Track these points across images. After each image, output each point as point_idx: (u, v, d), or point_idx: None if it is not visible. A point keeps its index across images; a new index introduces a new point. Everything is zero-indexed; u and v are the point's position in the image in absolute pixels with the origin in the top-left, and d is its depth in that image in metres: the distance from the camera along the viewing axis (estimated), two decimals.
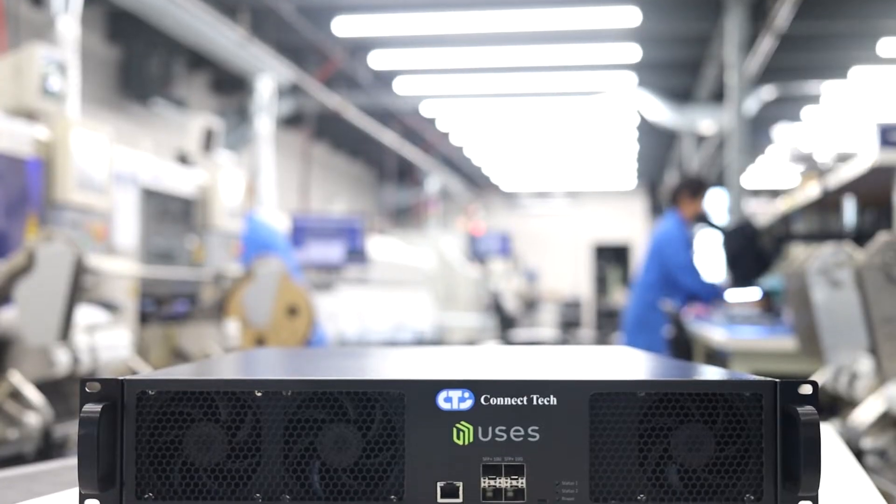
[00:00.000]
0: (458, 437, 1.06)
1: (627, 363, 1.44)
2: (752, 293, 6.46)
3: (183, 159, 6.37)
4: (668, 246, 6.80)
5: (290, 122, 14.97)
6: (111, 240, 5.07)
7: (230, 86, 13.07)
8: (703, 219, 7.05)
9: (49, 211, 4.52)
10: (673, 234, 6.85)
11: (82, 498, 1.04)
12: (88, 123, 4.79)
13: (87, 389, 1.04)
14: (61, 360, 3.92)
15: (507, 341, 14.03)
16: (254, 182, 7.53)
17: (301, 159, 14.49)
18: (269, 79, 11.53)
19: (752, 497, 1.06)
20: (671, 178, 7.44)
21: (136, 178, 5.45)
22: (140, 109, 11.28)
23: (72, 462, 1.15)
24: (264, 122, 11.62)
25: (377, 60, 13.60)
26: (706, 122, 13.74)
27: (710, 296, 6.58)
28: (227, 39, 9.84)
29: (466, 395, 1.06)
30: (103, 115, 10.29)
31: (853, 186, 4.39)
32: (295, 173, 15.12)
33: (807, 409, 1.02)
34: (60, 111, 4.73)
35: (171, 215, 5.92)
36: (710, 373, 1.21)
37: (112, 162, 4.98)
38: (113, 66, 11.06)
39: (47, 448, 3.76)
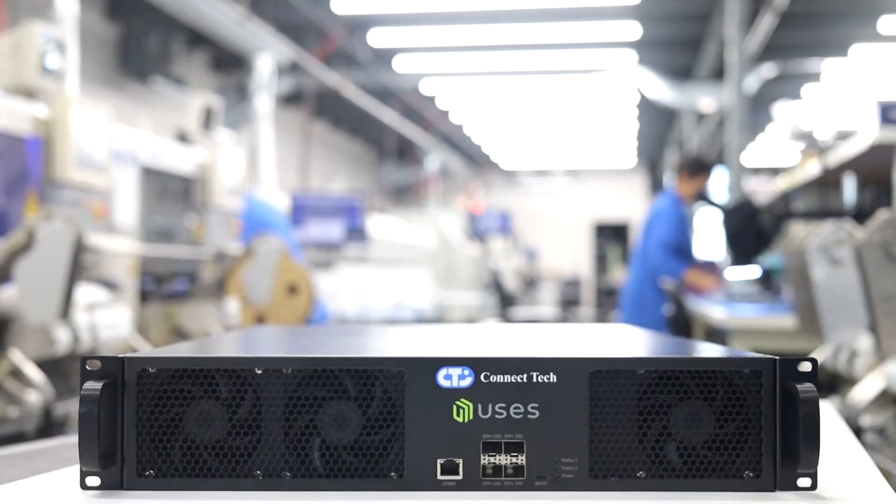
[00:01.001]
0: (458, 415, 1.06)
1: (627, 341, 1.44)
2: (752, 271, 6.46)
3: (182, 138, 6.36)
4: (655, 222, 6.81)
5: (290, 100, 14.95)
6: (111, 218, 5.07)
7: (229, 64, 13.05)
8: (702, 197, 7.03)
9: (49, 189, 4.51)
10: (663, 212, 6.85)
11: (83, 475, 1.04)
12: (87, 102, 4.78)
13: (87, 367, 1.04)
14: (61, 339, 3.92)
15: (507, 319, 14.03)
16: (253, 161, 7.50)
17: (300, 138, 14.47)
18: (269, 57, 11.50)
19: (751, 474, 1.06)
20: (673, 157, 7.43)
21: (136, 156, 5.44)
22: (139, 88, 11.26)
23: (72, 440, 1.15)
24: (264, 100, 11.60)
25: (376, 38, 13.57)
26: (706, 99, 13.71)
27: (669, 275, 6.55)
28: (227, 17, 9.80)
29: (466, 372, 1.06)
30: (102, 94, 10.27)
31: (853, 164, 4.39)
32: (294, 152, 15.10)
33: (806, 387, 1.02)
34: (59, 89, 4.72)
35: (171, 194, 5.91)
36: (710, 350, 1.21)
37: (111, 140, 4.97)
38: (112, 45, 11.04)
39: (48, 426, 3.77)
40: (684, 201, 6.87)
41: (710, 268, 7.07)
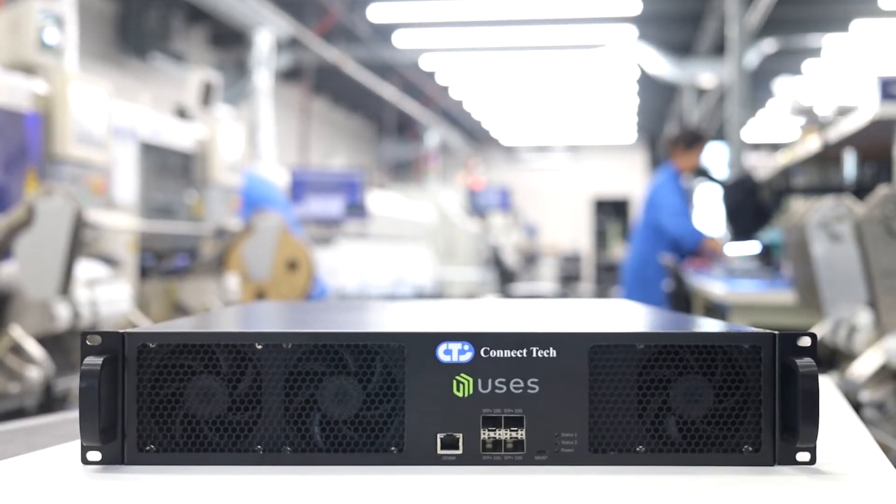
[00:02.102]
0: (458, 390, 1.06)
1: (627, 316, 1.44)
2: (752, 247, 6.46)
3: (182, 114, 6.35)
4: (658, 196, 6.79)
5: (289, 76, 14.91)
6: (110, 194, 5.07)
7: (229, 40, 13.01)
8: (701, 172, 7.02)
9: (48, 165, 4.51)
10: (664, 185, 6.83)
11: (84, 450, 1.05)
12: (87, 78, 4.78)
13: (87, 343, 1.04)
14: (62, 315, 3.92)
15: (507, 295, 14.04)
16: (252, 137, 7.49)
17: (300, 114, 14.45)
18: (268, 32, 11.47)
19: (751, 448, 1.06)
20: (668, 130, 7.40)
21: (135, 132, 5.44)
22: (138, 64, 11.23)
23: (73, 415, 1.16)
24: (263, 76, 11.58)
25: (376, 13, 13.53)
26: (706, 75, 13.68)
27: (693, 241, 6.55)
28: None
29: (466, 347, 1.06)
30: (101, 70, 10.25)
31: (853, 140, 4.38)
32: (294, 128, 15.07)
33: (805, 361, 1.02)
34: (58, 65, 4.71)
35: (171, 170, 5.91)
36: (709, 325, 1.21)
37: (111, 116, 4.96)
38: (111, 20, 11.01)
39: (48, 402, 3.78)
40: (683, 174, 6.86)
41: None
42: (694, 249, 6.57)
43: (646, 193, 7.08)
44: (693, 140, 6.81)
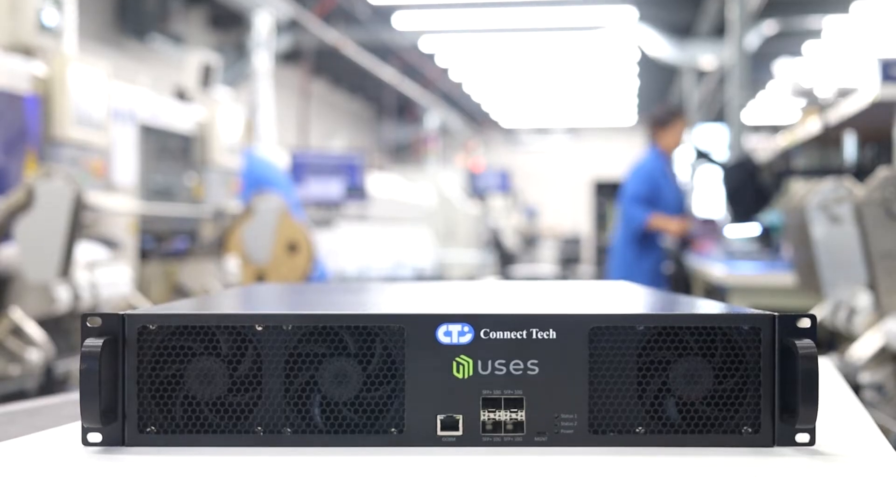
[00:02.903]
0: (458, 371, 1.06)
1: (626, 297, 1.45)
2: (752, 229, 6.46)
3: (181, 96, 6.34)
4: (629, 178, 6.82)
5: (289, 58, 14.88)
6: (110, 176, 5.06)
7: (228, 21, 12.98)
8: (702, 155, 7.00)
9: (47, 147, 4.50)
10: (635, 166, 6.85)
11: (85, 432, 1.05)
12: (86, 59, 4.76)
13: (88, 324, 1.05)
14: (62, 297, 3.93)
15: (507, 277, 14.04)
16: (251, 118, 7.47)
17: (300, 96, 14.42)
18: (267, 14, 11.44)
19: (750, 429, 1.06)
20: (648, 105, 7.36)
21: (135, 114, 5.43)
22: (137, 46, 11.21)
23: (74, 397, 1.16)
24: (262, 58, 11.55)
25: None
26: (707, 57, 13.66)
27: (635, 225, 6.51)
28: None
29: (466, 329, 1.06)
30: (100, 52, 10.23)
31: (854, 122, 4.37)
32: (294, 110, 15.05)
33: (805, 343, 1.02)
34: (57, 47, 4.70)
35: (170, 152, 5.90)
36: (709, 307, 1.21)
37: (110, 98, 4.95)
38: (110, 2, 10.98)
39: (49, 384, 3.78)
40: (666, 153, 6.80)
41: (709, 226, 7.06)
42: (638, 232, 6.54)
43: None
44: (666, 118, 6.78)
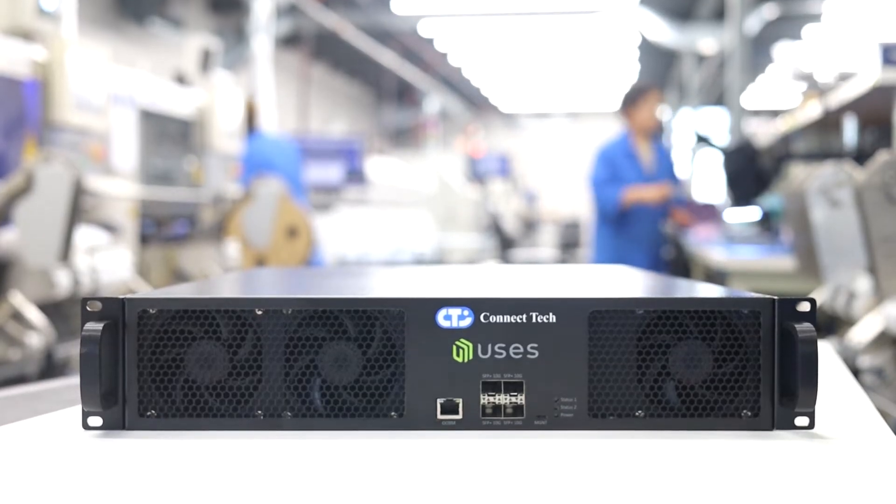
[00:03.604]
0: (458, 355, 1.06)
1: (626, 281, 1.45)
2: (752, 213, 6.46)
3: (180, 80, 6.33)
4: (591, 163, 6.67)
5: (288, 42, 14.87)
6: (109, 161, 5.06)
7: (227, 5, 12.96)
8: (701, 139, 6.94)
9: (47, 132, 4.50)
10: (597, 151, 6.71)
11: (85, 415, 1.05)
12: (85, 44, 4.76)
13: (88, 308, 1.05)
14: (62, 282, 3.93)
15: (507, 262, 14.04)
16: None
17: (299, 80, 14.41)
18: None
19: (749, 413, 1.06)
20: (672, 97, 7.21)
21: (134, 99, 5.42)
22: (137, 30, 11.19)
23: (74, 381, 1.16)
24: (262, 42, 11.53)
25: None
26: (707, 41, 13.64)
27: (609, 207, 6.33)
28: None
29: (466, 312, 1.06)
30: (100, 36, 10.21)
31: (854, 106, 4.37)
32: (293, 94, 15.04)
33: (804, 327, 1.02)
34: (56, 31, 4.69)
35: (170, 136, 5.89)
36: (709, 290, 1.21)
37: (109, 83, 4.95)
38: None
39: (49, 368, 3.79)
40: (639, 132, 6.64)
41: (709, 210, 7.04)
42: (615, 213, 6.34)
43: None
44: (635, 94, 6.64)
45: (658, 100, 6.68)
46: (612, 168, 6.49)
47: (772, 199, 6.22)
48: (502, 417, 1.07)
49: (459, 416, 1.07)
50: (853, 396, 1.30)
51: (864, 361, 2.45)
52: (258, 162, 6.93)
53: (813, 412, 1.05)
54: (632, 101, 6.62)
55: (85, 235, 4.31)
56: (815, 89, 4.97)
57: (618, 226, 6.39)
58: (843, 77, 4.49)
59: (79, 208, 3.75)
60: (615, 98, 23.78)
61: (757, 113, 11.46)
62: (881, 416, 1.15)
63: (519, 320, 1.07)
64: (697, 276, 6.04)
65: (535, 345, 1.07)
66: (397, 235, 11.57)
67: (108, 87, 4.92)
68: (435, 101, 21.07)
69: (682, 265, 6.13)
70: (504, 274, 1.65)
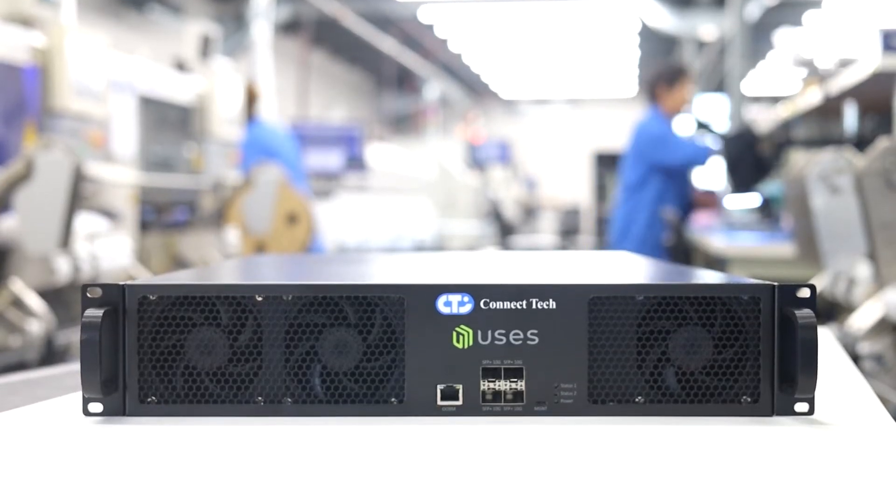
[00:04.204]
0: (458, 341, 1.07)
1: (626, 268, 1.45)
2: (752, 200, 6.45)
3: (180, 67, 6.32)
4: (653, 147, 6.40)
5: (288, 28, 14.84)
6: (109, 148, 5.05)
7: None
8: (702, 125, 6.91)
9: (47, 119, 4.49)
10: (653, 133, 6.44)
11: (86, 402, 1.05)
12: (84, 30, 4.75)
13: (88, 295, 1.05)
14: (62, 268, 3.93)
15: (507, 248, 14.04)
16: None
17: (299, 66, 14.39)
18: None
19: (749, 399, 1.07)
20: (649, 73, 7.13)
21: (134, 85, 5.42)
22: (136, 16, 11.17)
23: (74, 367, 1.16)
24: (262, 28, 11.51)
25: None
26: (707, 27, 13.62)
27: (704, 156, 6.18)
28: None
29: (466, 299, 1.06)
30: (99, 22, 10.20)
31: (854, 92, 4.36)
32: (293, 81, 15.02)
33: (804, 313, 1.03)
34: (56, 18, 4.68)
35: (170, 123, 5.89)
36: (709, 277, 1.21)
37: (109, 69, 4.94)
38: None
39: (49, 355, 3.79)
40: (670, 116, 6.48)
41: (709, 197, 7.04)
42: (705, 161, 6.16)
43: (631, 140, 6.67)
44: (674, 76, 6.45)
45: (693, 83, 6.54)
46: (671, 130, 6.35)
47: (772, 186, 6.22)
48: (502, 403, 1.07)
49: (459, 402, 1.07)
50: (853, 383, 1.30)
51: (864, 348, 2.45)
52: (259, 149, 6.92)
53: (813, 398, 1.05)
54: (669, 81, 6.44)
55: (85, 222, 4.31)
56: (816, 75, 4.96)
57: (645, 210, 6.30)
58: (844, 63, 4.48)
59: (79, 195, 3.75)
60: (617, 84, 23.78)
61: (757, 99, 11.44)
62: (881, 403, 1.15)
63: (519, 306, 1.07)
64: (698, 263, 6.04)
65: (535, 331, 1.07)
66: (397, 222, 11.57)
67: (108, 73, 4.92)
68: (435, 88, 21.05)
69: (682, 252, 6.12)
70: (504, 260, 1.65)
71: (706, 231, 6.08)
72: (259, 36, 11.43)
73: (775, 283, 1.06)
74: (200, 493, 0.81)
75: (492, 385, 1.07)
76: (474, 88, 24.75)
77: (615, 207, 6.86)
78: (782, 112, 6.03)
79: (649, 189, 6.42)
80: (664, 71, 6.57)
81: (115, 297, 1.06)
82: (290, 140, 7.48)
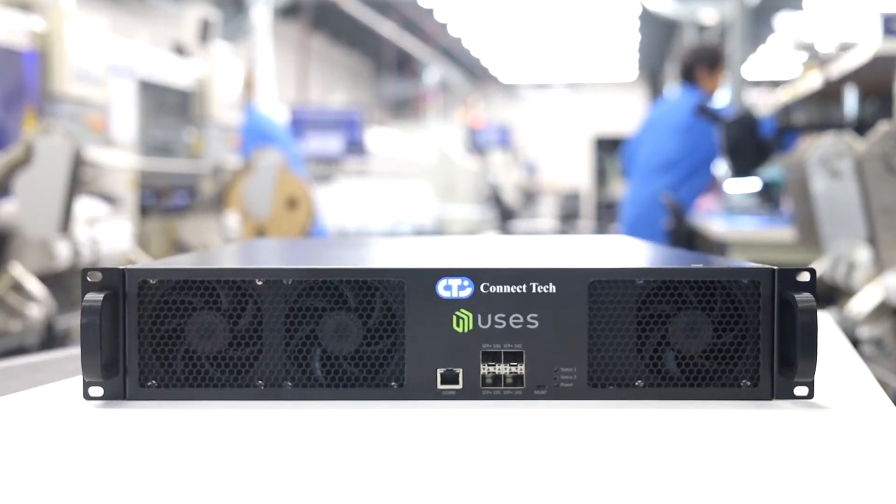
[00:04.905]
0: (458, 325, 1.07)
1: (626, 252, 1.45)
2: (752, 184, 6.44)
3: (179, 51, 6.31)
4: (701, 129, 6.14)
5: (288, 12, 14.80)
6: (109, 132, 5.05)
7: None
8: (704, 110, 6.86)
9: (46, 103, 4.49)
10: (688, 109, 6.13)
11: (86, 386, 1.05)
12: (84, 14, 4.74)
13: (88, 279, 1.05)
14: (62, 253, 3.93)
15: (507, 233, 14.04)
16: (253, 73, 7.43)
17: (298, 51, 14.36)
18: None
19: (749, 383, 1.07)
20: (686, 51, 6.98)
21: (133, 70, 5.41)
22: (135, 1, 11.15)
23: (75, 352, 1.16)
24: (261, 12, 11.49)
25: None
26: (708, 10, 13.58)
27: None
28: None
29: (466, 283, 1.07)
30: (98, 7, 10.18)
31: (855, 76, 4.36)
32: (293, 65, 14.99)
33: (804, 296, 1.03)
34: (55, 2, 4.67)
35: (169, 107, 5.88)
36: (709, 261, 1.21)
37: (108, 53, 4.93)
38: None
39: (50, 340, 3.79)
40: (709, 99, 6.30)
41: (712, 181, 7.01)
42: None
43: (669, 121, 6.41)
44: (715, 59, 6.33)
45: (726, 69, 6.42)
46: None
47: (772, 170, 6.21)
48: (502, 387, 1.07)
49: (459, 386, 1.07)
50: (852, 366, 1.30)
51: (864, 332, 2.46)
52: (259, 134, 6.92)
53: (812, 382, 1.05)
54: (711, 64, 6.34)
55: (85, 206, 4.31)
56: (816, 59, 4.95)
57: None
58: (844, 47, 4.47)
59: (78, 179, 3.74)
60: (617, 69, 23.74)
61: (758, 83, 11.41)
62: (880, 387, 1.15)
63: (519, 290, 1.07)
64: (699, 247, 6.03)
65: (535, 315, 1.07)
66: (397, 207, 11.56)
67: (108, 58, 4.91)
68: (435, 73, 21.02)
69: (683, 237, 6.11)
70: (504, 244, 1.65)
71: (707, 216, 6.07)
72: (258, 20, 11.41)
73: (775, 267, 1.06)
74: (201, 476, 0.81)
75: (492, 369, 1.07)
76: (474, 73, 24.72)
77: (633, 190, 6.72)
78: (783, 96, 6.02)
79: (690, 170, 6.27)
80: (705, 54, 6.46)
81: (116, 281, 1.06)
82: (284, 127, 7.49)
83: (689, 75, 6.43)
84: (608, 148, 25.74)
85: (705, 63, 6.35)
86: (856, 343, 2.39)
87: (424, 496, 0.75)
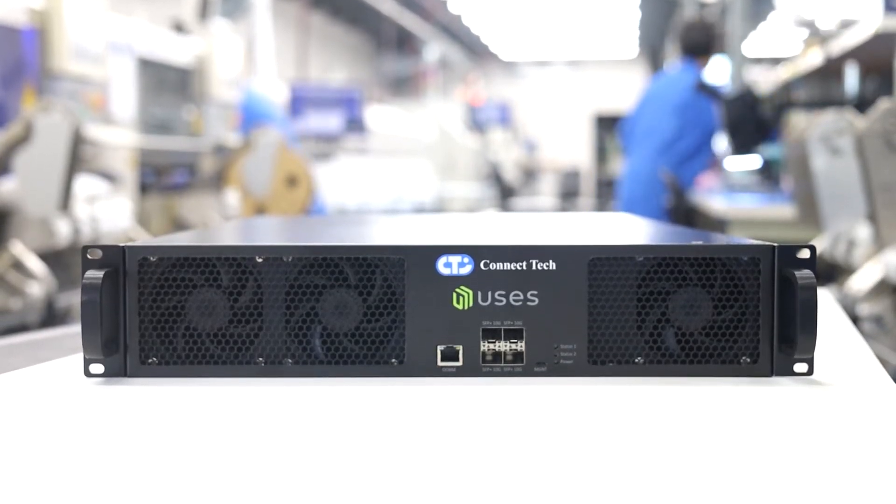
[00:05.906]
0: (458, 302, 1.07)
1: (626, 229, 1.45)
2: (752, 161, 6.44)
3: (179, 28, 6.29)
4: (703, 108, 6.23)
5: None
6: (108, 110, 5.04)
7: None
8: (703, 87, 6.84)
9: (45, 81, 4.48)
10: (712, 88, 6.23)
11: (87, 363, 1.05)
12: None
13: (88, 256, 1.05)
14: (62, 231, 3.93)
15: (507, 211, 14.03)
16: (250, 51, 7.42)
17: (298, 28, 14.33)
18: None
19: (749, 359, 1.07)
20: (687, 28, 6.88)
21: (132, 47, 5.39)
22: None
23: (75, 329, 1.16)
24: None
25: None
26: None
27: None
28: None
29: (466, 260, 1.07)
30: None
31: (855, 53, 4.35)
32: (292, 43, 14.95)
33: (804, 273, 1.03)
34: None
35: (169, 85, 5.87)
36: (709, 238, 1.21)
37: (107, 31, 4.92)
38: None
39: (50, 317, 3.79)
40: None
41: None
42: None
43: (673, 97, 6.43)
44: (714, 44, 6.46)
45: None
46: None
47: (772, 148, 6.20)
48: (502, 364, 1.07)
49: (459, 363, 1.07)
50: (852, 344, 1.30)
51: (864, 309, 2.46)
52: (255, 113, 6.92)
53: (812, 359, 1.05)
54: (708, 48, 6.44)
55: (84, 184, 4.31)
56: (817, 36, 4.94)
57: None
58: (845, 24, 4.46)
59: (78, 157, 3.74)
60: (617, 46, 23.68)
61: (758, 61, 11.38)
62: (880, 364, 1.15)
63: (519, 267, 1.07)
64: (699, 225, 6.03)
65: (535, 292, 1.07)
66: (397, 184, 11.55)
67: (107, 35, 4.90)
68: (435, 50, 20.96)
69: (683, 214, 6.10)
70: (504, 222, 1.65)
71: (707, 193, 6.07)
72: None
73: (775, 244, 1.06)
74: (201, 453, 0.81)
75: (492, 346, 1.07)
76: (474, 50, 24.66)
77: (632, 167, 6.72)
78: (783, 73, 6.01)
79: (690, 147, 6.29)
80: (710, 34, 6.49)
81: (116, 258, 1.06)
82: (280, 108, 7.49)
83: (694, 51, 6.44)
84: (608, 125, 25.66)
85: (709, 46, 6.38)
86: (855, 320, 2.40)
87: (424, 473, 0.75)
